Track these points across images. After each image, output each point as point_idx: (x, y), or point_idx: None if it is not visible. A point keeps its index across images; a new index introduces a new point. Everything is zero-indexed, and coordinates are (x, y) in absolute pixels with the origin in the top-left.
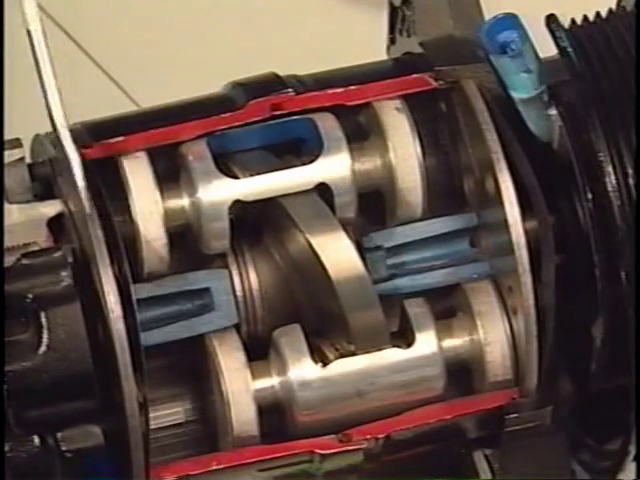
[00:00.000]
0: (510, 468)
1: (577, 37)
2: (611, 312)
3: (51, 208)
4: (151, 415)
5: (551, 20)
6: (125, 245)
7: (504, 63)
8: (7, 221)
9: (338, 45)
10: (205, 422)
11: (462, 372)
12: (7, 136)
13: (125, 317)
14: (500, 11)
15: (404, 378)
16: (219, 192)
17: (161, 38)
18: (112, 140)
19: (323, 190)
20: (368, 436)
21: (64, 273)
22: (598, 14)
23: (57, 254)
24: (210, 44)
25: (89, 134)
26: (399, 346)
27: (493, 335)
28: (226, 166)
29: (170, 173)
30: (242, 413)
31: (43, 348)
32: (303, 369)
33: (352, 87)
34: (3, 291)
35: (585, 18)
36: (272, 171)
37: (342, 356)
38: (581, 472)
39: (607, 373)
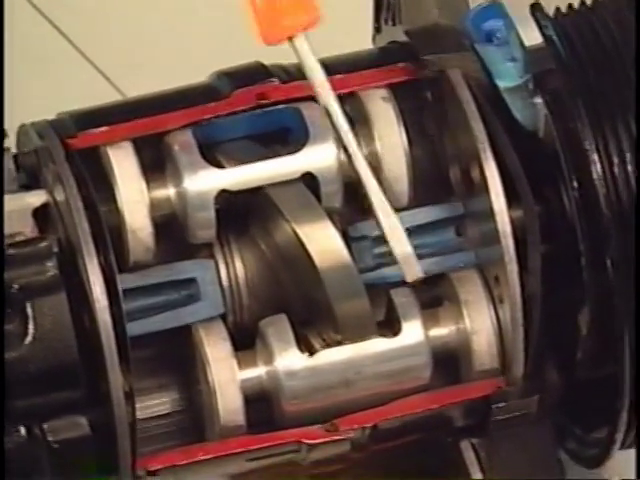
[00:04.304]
0: (497, 457)
1: (562, 26)
2: (597, 301)
3: (37, 198)
4: (137, 405)
5: (536, 8)
6: (111, 235)
7: (490, 52)
8: None
9: (323, 34)
10: (192, 412)
11: (448, 361)
12: None
13: (111, 307)
14: None
15: (390, 367)
16: (205, 182)
17: (146, 28)
18: (97, 130)
19: (309, 179)
20: (355, 426)
21: (50, 263)
22: (583, 2)
23: (43, 244)
24: (195, 33)
25: (75, 124)
26: (385, 335)
27: (479, 324)
28: (212, 156)
29: (156, 163)
30: (229, 403)
31: (29, 338)
32: (290, 359)
33: (338, 76)
34: (3, 290)
35: (570, 6)
36: (258, 160)
37: (328, 346)
38: (568, 460)
39: (593, 362)
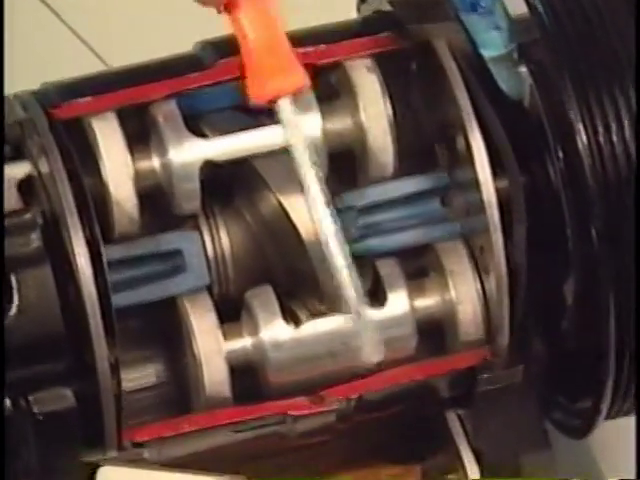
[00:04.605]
0: (483, 427)
1: None
2: (582, 271)
3: (20, 170)
4: (123, 377)
5: None
6: (95, 207)
7: (474, 21)
8: None
9: (308, 4)
10: (177, 384)
11: (434, 332)
12: None
13: (96, 279)
14: None
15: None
16: (189, 153)
17: None
18: (81, 100)
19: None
20: (340, 397)
21: (34, 235)
22: None
23: (27, 216)
24: (179, 3)
25: (58, 95)
26: (371, 305)
27: (465, 294)
28: (196, 126)
29: (140, 134)
30: (214, 374)
31: (13, 310)
32: (275, 330)
33: (322, 46)
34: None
35: None
36: (243, 131)
37: (314, 317)
38: (553, 431)
39: (578, 331)
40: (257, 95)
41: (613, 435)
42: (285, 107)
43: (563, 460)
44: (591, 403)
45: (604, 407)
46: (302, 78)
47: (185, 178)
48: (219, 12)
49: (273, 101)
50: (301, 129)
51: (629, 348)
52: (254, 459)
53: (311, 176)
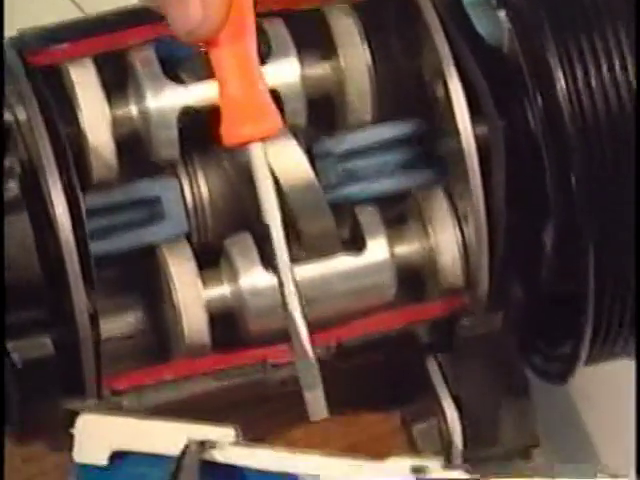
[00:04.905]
0: (462, 373)
1: None
2: (562, 217)
3: None
4: (102, 326)
5: None
6: (73, 154)
7: None
8: None
9: None
10: (157, 332)
11: (413, 279)
12: None
13: (74, 227)
14: None
15: (355, 285)
16: (167, 99)
17: None
18: (58, 47)
19: (272, 96)
20: (320, 344)
21: (12, 183)
22: None
23: (5, 164)
24: None
25: (35, 41)
26: (350, 253)
27: (444, 241)
28: (174, 72)
29: (117, 80)
30: (194, 322)
31: None
32: (254, 277)
33: None
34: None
35: None
36: None
37: (293, 263)
38: (533, 377)
39: (558, 278)
40: (229, 139)
41: (592, 380)
42: (256, 154)
43: (542, 406)
44: (570, 348)
45: (583, 352)
46: (275, 125)
47: (163, 125)
48: (199, 49)
49: (244, 146)
50: (270, 178)
51: (608, 293)
52: (236, 407)
53: (277, 226)
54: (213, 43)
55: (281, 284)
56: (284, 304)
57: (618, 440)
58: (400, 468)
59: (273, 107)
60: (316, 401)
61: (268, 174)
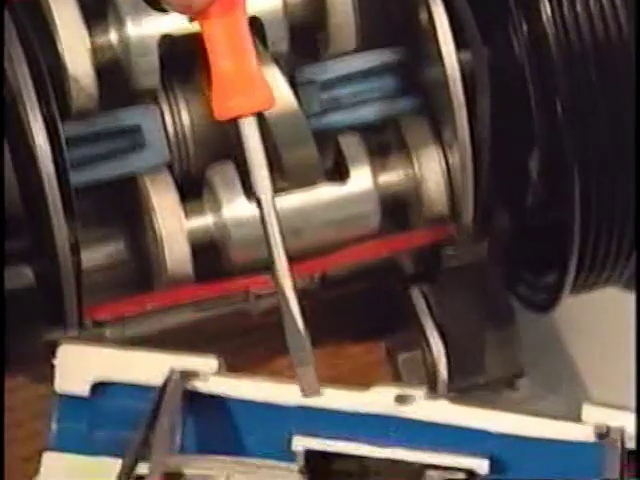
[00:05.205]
0: (447, 304)
1: None
2: (547, 144)
3: None
4: (83, 256)
5: None
6: (52, 83)
7: None
8: None
9: None
10: (139, 263)
11: (398, 208)
12: None
13: (54, 157)
14: None
15: (339, 214)
16: (148, 26)
17: None
18: None
19: (255, 24)
20: (303, 274)
21: None
22: None
23: None
24: None
25: None
26: (333, 182)
27: (429, 170)
28: (154, 0)
29: (97, 9)
30: (176, 252)
31: None
32: (237, 207)
33: None
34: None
35: None
36: None
37: (276, 193)
38: (519, 306)
39: (543, 206)
40: (220, 112)
41: (577, 309)
42: (247, 127)
43: (527, 335)
44: (556, 277)
45: (568, 281)
46: (267, 99)
47: (143, 52)
48: (191, 20)
49: (235, 120)
50: (262, 151)
51: (593, 221)
52: (219, 338)
53: (267, 198)
54: (205, 16)
55: (262, 215)
56: (265, 236)
57: (603, 369)
58: (384, 397)
59: (265, 81)
60: (308, 377)
61: (260, 148)
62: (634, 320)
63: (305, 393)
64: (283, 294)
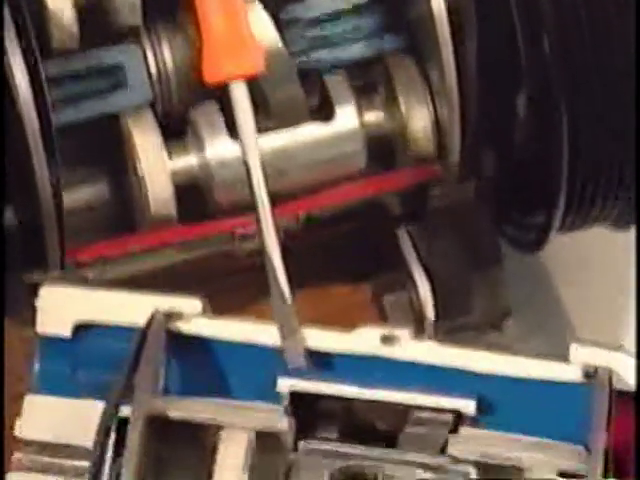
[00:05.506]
0: (434, 244)
1: None
2: (534, 81)
3: None
4: (65, 197)
5: None
6: (32, 21)
7: None
8: None
9: None
10: (121, 203)
11: (384, 147)
12: None
13: (34, 96)
14: None
15: (324, 154)
16: None
17: None
18: None
19: None
20: (288, 214)
21: None
22: None
23: None
24: None
25: None
26: (319, 121)
27: (415, 109)
28: None
29: None
30: (159, 193)
31: None
32: (221, 147)
33: None
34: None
35: None
36: None
37: (261, 133)
38: (506, 246)
39: (531, 145)
40: (211, 75)
41: (565, 249)
42: (237, 91)
43: (515, 276)
44: (543, 217)
45: (556, 220)
46: (258, 63)
47: None
48: None
49: (226, 83)
50: (251, 115)
51: (581, 159)
52: (203, 279)
53: (255, 163)
54: None
55: (245, 156)
56: (248, 178)
57: (591, 310)
58: (369, 338)
59: (256, 44)
60: (294, 348)
61: (249, 111)
62: (626, 258)
63: (291, 364)
64: (270, 262)
